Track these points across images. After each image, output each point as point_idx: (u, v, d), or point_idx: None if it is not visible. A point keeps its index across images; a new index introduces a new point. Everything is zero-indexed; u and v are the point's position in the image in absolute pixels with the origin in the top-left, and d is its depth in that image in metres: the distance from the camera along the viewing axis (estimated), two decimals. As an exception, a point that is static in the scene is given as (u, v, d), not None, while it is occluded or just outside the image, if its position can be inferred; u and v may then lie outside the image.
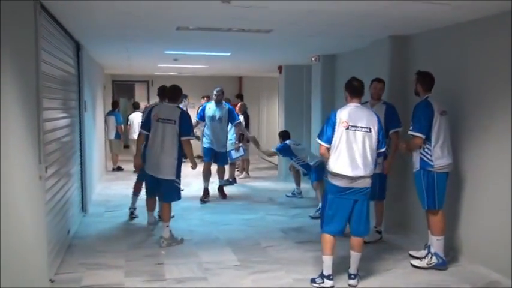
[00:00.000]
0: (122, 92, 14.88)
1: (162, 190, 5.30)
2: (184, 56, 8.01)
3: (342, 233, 4.09)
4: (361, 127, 3.94)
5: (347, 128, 3.91)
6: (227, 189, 8.62)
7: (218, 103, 7.68)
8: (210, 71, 11.86)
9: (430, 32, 5.19)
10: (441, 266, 4.51)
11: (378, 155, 4.10)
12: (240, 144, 9.14)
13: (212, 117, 7.68)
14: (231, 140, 9.02)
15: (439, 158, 4.42)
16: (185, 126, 5.19)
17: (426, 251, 4.64)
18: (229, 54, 7.64)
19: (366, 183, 3.99)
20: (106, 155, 10.88)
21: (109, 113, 10.71)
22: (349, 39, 5.98)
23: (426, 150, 4.44)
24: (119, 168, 10.72)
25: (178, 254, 4.97)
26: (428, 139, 4.41)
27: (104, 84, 11.05)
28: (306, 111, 9.11)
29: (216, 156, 7.76)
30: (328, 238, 4.02)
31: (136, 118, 10.44)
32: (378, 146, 4.02)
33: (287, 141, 7.20)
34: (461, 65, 4.74)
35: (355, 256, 4.09)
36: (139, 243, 5.28)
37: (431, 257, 4.53)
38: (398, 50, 5.68)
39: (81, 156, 6.56)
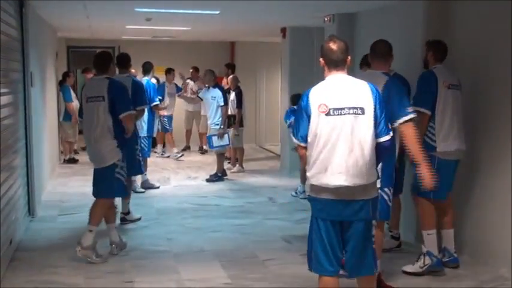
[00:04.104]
0: (80, 61, 14.73)
1: (96, 182, 5.27)
2: (159, 15, 7.94)
3: (339, 270, 3.56)
4: (349, 108, 3.36)
5: (327, 114, 3.35)
6: (215, 187, 8.66)
7: None
8: (194, 35, 11.83)
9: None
10: (436, 267, 4.72)
11: (382, 147, 3.49)
12: (228, 130, 9.07)
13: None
14: (216, 124, 9.00)
15: (444, 140, 4.55)
16: (119, 101, 5.13)
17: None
18: (218, 12, 7.60)
19: (366, 192, 3.46)
20: (59, 142, 10.83)
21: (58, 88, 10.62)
22: None
23: (429, 129, 4.59)
24: (73, 160, 10.65)
25: (152, 269, 4.95)
26: (432, 117, 4.56)
27: (57, 52, 10.95)
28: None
29: None
30: (325, 282, 3.53)
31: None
32: (378, 133, 3.44)
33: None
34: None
35: None
36: (102, 255, 5.23)
37: (423, 258, 4.70)
38: (436, 9, 5.62)
39: (26, 145, 6.49)
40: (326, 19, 7.82)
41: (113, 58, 5.58)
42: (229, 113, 9.32)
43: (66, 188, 8.40)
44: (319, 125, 3.37)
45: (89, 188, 5.51)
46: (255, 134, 13.54)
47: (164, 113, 10.93)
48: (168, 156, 11.27)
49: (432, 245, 4.73)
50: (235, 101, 9.46)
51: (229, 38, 13.34)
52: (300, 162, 4.25)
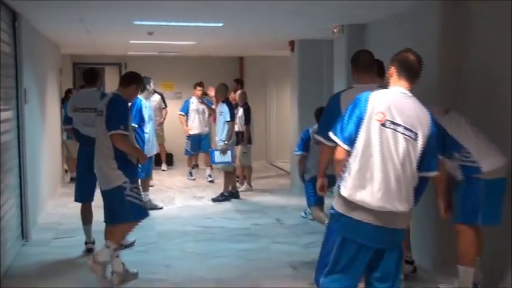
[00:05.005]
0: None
1: (107, 206, 5.00)
2: (161, 28, 7.75)
3: None
4: (405, 127, 3.14)
5: (383, 124, 3.15)
6: (221, 207, 8.36)
7: None
8: (201, 50, 11.65)
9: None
10: None
11: (421, 183, 3.28)
12: (231, 147, 8.74)
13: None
14: (223, 140, 8.69)
15: (485, 158, 4.24)
16: (111, 116, 4.83)
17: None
18: (221, 24, 7.39)
19: (402, 222, 3.26)
20: (63, 161, 10.58)
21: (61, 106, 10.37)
22: (384, 2, 5.66)
23: (464, 154, 4.29)
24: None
25: (146, 300, 4.63)
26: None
27: (61, 68, 10.73)
28: (327, 99, 8.72)
29: None
30: None
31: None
32: (423, 166, 3.23)
33: (310, 129, 6.84)
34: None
35: None
36: (97, 284, 4.91)
37: None
38: (453, 16, 5.27)
39: (20, 164, 6.23)
40: (335, 30, 7.57)
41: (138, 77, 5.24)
42: (237, 129, 9.01)
43: (66, 209, 8.07)
44: (370, 133, 3.13)
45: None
46: (265, 151, 13.25)
47: (187, 128, 10.55)
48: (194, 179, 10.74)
49: (467, 283, 4.29)
50: (243, 117, 9.14)
51: (237, 52, 13.15)
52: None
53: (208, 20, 7.13)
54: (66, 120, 6.08)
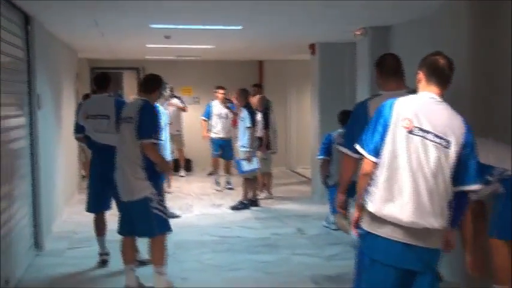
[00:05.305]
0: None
1: (127, 218, 4.80)
2: (178, 32, 7.59)
3: None
4: (435, 134, 2.90)
5: (410, 132, 2.91)
6: (240, 215, 8.14)
7: None
8: (220, 54, 11.53)
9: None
10: None
11: (465, 197, 3.05)
12: (254, 154, 8.50)
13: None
14: (244, 146, 8.46)
15: None
16: (143, 124, 4.65)
17: None
18: (240, 27, 7.21)
19: (435, 240, 2.98)
20: (80, 167, 10.45)
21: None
22: (410, 3, 5.44)
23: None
24: None
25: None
26: None
27: (78, 73, 10.62)
28: (349, 105, 8.50)
29: None
30: None
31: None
32: (459, 179, 2.97)
33: (333, 133, 6.59)
34: None
35: None
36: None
37: None
38: (483, 16, 5.01)
39: (32, 171, 6.08)
40: (357, 33, 7.34)
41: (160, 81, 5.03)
42: (257, 135, 8.81)
43: (82, 217, 7.85)
44: (396, 141, 2.90)
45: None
46: (285, 157, 13.01)
47: (206, 134, 10.26)
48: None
49: None
50: (262, 122, 8.93)
51: (257, 56, 13.00)
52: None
53: (227, 23, 6.96)
54: (77, 129, 5.82)
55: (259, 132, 8.87)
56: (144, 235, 4.78)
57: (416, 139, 2.89)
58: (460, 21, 5.24)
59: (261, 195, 9.31)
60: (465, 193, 3.03)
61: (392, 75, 3.96)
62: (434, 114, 2.96)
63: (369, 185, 2.97)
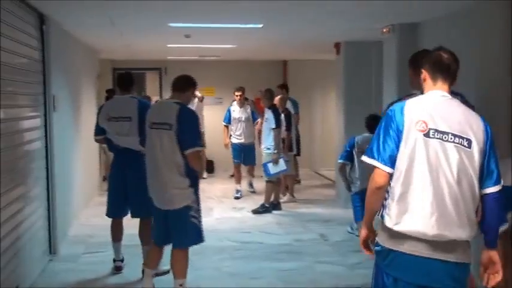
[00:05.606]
0: (128, 83, 14.55)
1: (161, 226, 4.58)
2: (198, 31, 7.44)
3: None
4: (454, 134, 2.65)
5: (426, 134, 2.65)
6: (261, 220, 7.93)
7: None
8: (242, 54, 11.39)
9: None
10: None
11: (490, 200, 2.73)
12: (280, 155, 8.26)
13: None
14: (268, 148, 8.22)
15: None
16: (187, 131, 4.38)
17: None
18: (261, 26, 7.02)
19: (464, 254, 2.71)
20: (101, 168, 10.36)
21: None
22: None
23: None
24: None
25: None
26: None
27: (98, 73, 10.52)
28: (375, 106, 8.30)
29: None
30: None
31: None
32: (483, 182, 2.70)
33: (357, 137, 6.42)
34: None
35: None
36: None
37: None
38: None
39: (47, 173, 5.97)
40: (384, 30, 7.10)
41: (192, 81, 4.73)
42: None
43: (100, 220, 7.73)
44: (412, 147, 2.64)
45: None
46: (309, 159, 12.77)
47: (228, 140, 9.83)
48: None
49: None
50: (285, 124, 8.70)
51: (280, 56, 12.84)
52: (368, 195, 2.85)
53: (247, 21, 6.78)
54: (97, 131, 5.57)
55: (282, 133, 8.66)
56: (178, 245, 4.54)
57: (434, 142, 2.64)
58: (495, 19, 4.98)
59: (284, 198, 9.09)
60: (487, 194, 2.73)
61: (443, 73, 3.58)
62: (450, 113, 2.72)
63: (385, 198, 2.71)
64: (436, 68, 2.83)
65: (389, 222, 2.66)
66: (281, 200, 8.82)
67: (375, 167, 2.71)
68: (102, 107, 5.73)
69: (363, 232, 2.93)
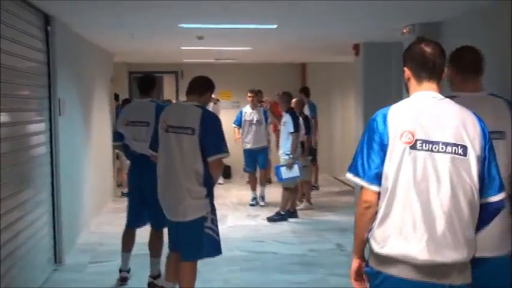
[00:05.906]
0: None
1: (174, 238, 4.33)
2: (210, 32, 7.24)
3: None
4: (446, 143, 2.35)
5: (413, 147, 2.34)
6: (276, 228, 7.69)
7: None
8: (259, 56, 11.21)
9: None
10: None
11: (491, 209, 2.45)
12: (296, 161, 7.97)
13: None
14: (287, 153, 7.98)
15: None
16: (211, 138, 4.13)
17: None
18: (275, 26, 6.79)
19: (462, 275, 2.39)
20: (115, 174, 10.20)
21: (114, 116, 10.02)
22: None
23: None
24: None
25: None
26: None
27: (112, 77, 10.37)
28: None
29: None
30: None
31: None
32: (486, 189, 2.41)
33: None
34: None
35: None
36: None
37: None
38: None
39: (52, 178, 5.79)
40: (405, 31, 6.80)
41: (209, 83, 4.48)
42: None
43: (111, 227, 7.59)
44: (397, 162, 2.33)
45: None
46: (328, 164, 12.47)
47: (238, 137, 9.54)
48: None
49: None
50: (303, 127, 8.43)
51: (299, 58, 12.62)
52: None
53: (260, 22, 6.57)
54: (115, 137, 5.39)
55: (302, 136, 8.39)
56: (190, 257, 4.26)
57: (422, 154, 2.33)
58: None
59: (301, 205, 8.82)
60: (489, 203, 2.43)
61: (472, 73, 3.21)
62: (441, 118, 2.39)
63: (372, 220, 2.41)
64: (418, 66, 2.47)
65: (375, 246, 2.38)
66: (298, 207, 8.56)
67: (361, 186, 2.42)
68: (118, 109, 5.55)
69: (355, 262, 2.59)
